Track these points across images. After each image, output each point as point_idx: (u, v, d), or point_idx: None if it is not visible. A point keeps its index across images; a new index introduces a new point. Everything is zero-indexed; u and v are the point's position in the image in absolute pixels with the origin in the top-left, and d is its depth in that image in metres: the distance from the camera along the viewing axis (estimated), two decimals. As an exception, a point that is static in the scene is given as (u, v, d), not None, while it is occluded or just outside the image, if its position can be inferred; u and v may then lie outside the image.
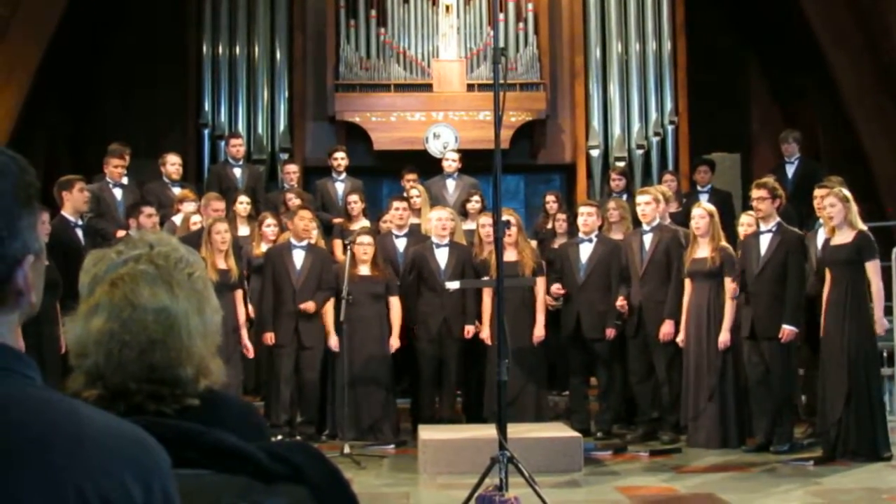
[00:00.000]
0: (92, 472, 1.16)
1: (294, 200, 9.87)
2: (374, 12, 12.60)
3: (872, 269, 7.39)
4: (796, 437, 7.99)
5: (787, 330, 7.68)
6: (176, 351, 1.74)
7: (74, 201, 8.17)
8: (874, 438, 7.33)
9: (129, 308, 1.72)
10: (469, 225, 9.65)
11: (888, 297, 9.71)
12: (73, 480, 1.14)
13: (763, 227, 7.93)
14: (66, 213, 8.10)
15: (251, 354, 8.42)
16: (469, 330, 8.62)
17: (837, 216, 7.44)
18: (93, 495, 1.15)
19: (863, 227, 7.49)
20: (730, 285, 7.91)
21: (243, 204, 9.73)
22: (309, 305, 8.44)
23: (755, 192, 7.95)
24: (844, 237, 7.44)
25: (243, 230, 9.53)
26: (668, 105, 12.66)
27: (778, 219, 7.97)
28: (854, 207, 7.49)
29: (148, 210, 8.57)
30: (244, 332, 8.33)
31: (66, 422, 1.19)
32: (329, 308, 8.54)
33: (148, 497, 1.20)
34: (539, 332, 8.57)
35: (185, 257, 1.82)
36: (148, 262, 1.77)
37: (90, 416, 1.22)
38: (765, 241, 7.89)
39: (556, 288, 8.71)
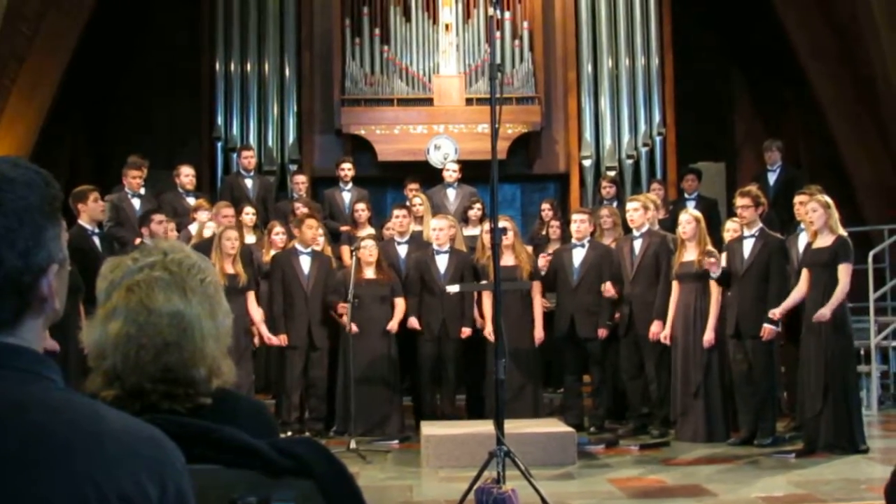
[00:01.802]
0: (110, 470, 1.16)
1: (301, 209, 9.88)
2: (377, 31, 12.62)
3: (843, 270, 7.36)
4: (778, 431, 7.98)
5: (768, 328, 7.68)
6: (189, 352, 1.74)
7: (90, 211, 8.14)
8: (851, 432, 7.32)
9: (144, 312, 1.73)
10: (470, 231, 9.67)
11: (865, 298, 9.76)
12: (92, 478, 1.14)
13: (746, 233, 7.94)
14: (83, 222, 8.08)
15: (275, 342, 8.41)
16: (465, 332, 8.62)
17: (818, 221, 7.44)
18: (111, 492, 1.15)
19: (842, 232, 7.48)
20: (711, 262, 7.84)
21: (249, 214, 9.74)
22: (344, 307, 8.33)
23: (739, 201, 7.96)
24: (825, 241, 7.44)
25: (249, 238, 9.53)
26: (657, 117, 12.67)
27: (760, 224, 7.97)
28: (835, 213, 7.48)
29: (158, 217, 8.55)
30: (264, 329, 8.34)
31: (87, 422, 1.19)
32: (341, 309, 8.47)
33: (163, 494, 1.20)
34: (538, 333, 8.58)
35: (197, 264, 1.83)
36: (162, 268, 1.78)
37: (109, 417, 1.22)
38: (748, 246, 7.90)
39: (543, 256, 8.72)
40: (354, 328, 8.08)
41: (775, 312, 7.58)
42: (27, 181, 1.27)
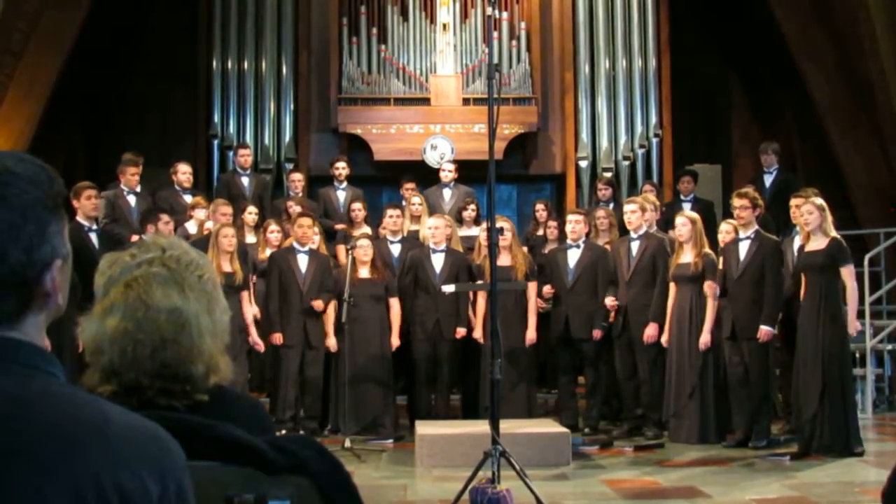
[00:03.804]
0: (111, 467, 1.16)
1: (294, 208, 9.87)
2: (375, 30, 12.62)
3: (847, 273, 7.40)
4: (773, 434, 7.99)
5: (765, 330, 7.69)
6: (187, 349, 1.74)
7: (83, 208, 8.16)
8: (847, 435, 7.33)
9: (142, 308, 1.72)
10: (464, 231, 9.67)
11: (861, 301, 9.75)
12: (93, 473, 1.14)
13: (742, 234, 7.95)
14: (79, 218, 8.10)
15: (262, 349, 8.40)
16: (460, 332, 8.63)
17: (813, 223, 7.45)
18: (111, 488, 1.15)
19: (836, 234, 7.50)
20: (710, 286, 7.91)
21: (251, 214, 9.75)
22: (318, 304, 8.46)
23: (737, 202, 7.96)
24: (818, 244, 7.46)
25: (250, 238, 9.54)
26: (653, 119, 12.68)
27: (756, 226, 7.98)
28: (829, 216, 7.51)
29: (165, 217, 8.56)
30: (253, 330, 8.33)
31: (89, 417, 1.19)
32: (330, 311, 8.55)
33: (163, 492, 1.20)
34: (531, 334, 8.59)
35: (195, 260, 1.82)
36: (160, 264, 1.77)
37: (112, 413, 1.22)
38: (744, 248, 7.90)
39: (547, 289, 8.74)
40: (332, 343, 8.35)
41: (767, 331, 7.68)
42: (32, 176, 1.27)
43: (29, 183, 1.26)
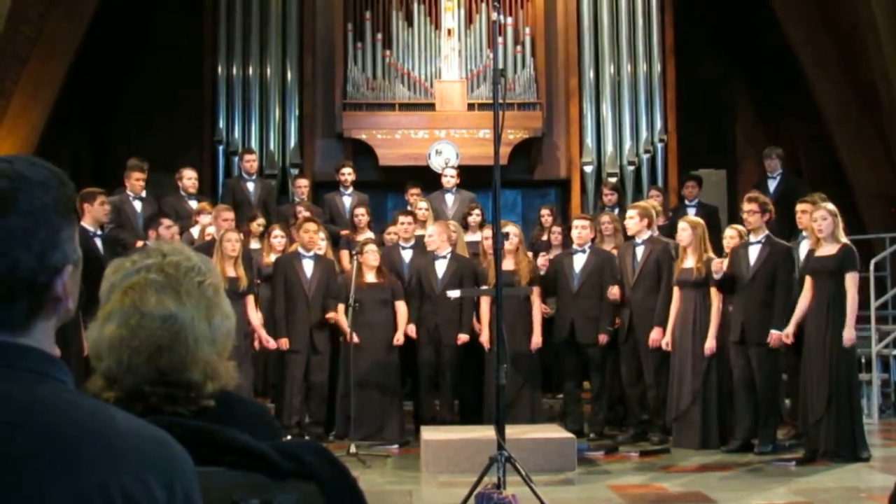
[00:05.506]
0: (118, 472, 1.15)
1: (302, 213, 9.87)
2: (379, 35, 12.63)
3: (851, 280, 7.38)
4: (779, 439, 7.96)
5: (775, 335, 7.66)
6: (181, 356, 1.72)
7: (95, 213, 8.14)
8: (853, 440, 7.31)
9: (136, 315, 1.71)
10: (470, 237, 9.66)
11: (866, 306, 9.74)
12: (99, 479, 1.14)
13: (753, 239, 7.92)
14: (86, 223, 8.07)
15: (272, 346, 8.40)
16: (462, 338, 8.61)
17: (826, 229, 7.44)
18: (117, 494, 1.14)
19: (846, 240, 7.49)
20: (718, 262, 7.84)
21: (256, 220, 9.76)
22: (333, 315, 8.45)
23: (746, 206, 7.93)
24: (829, 249, 7.44)
25: (255, 243, 9.55)
26: (658, 124, 12.67)
27: (767, 231, 7.95)
28: (840, 222, 7.50)
29: (167, 222, 8.56)
30: (263, 333, 8.34)
31: (96, 423, 1.19)
32: (341, 309, 8.51)
33: (170, 498, 1.19)
34: (536, 339, 8.56)
35: (196, 266, 1.80)
36: (158, 271, 1.75)
37: (118, 419, 1.21)
38: (754, 252, 7.87)
39: (543, 256, 8.75)
40: (355, 338, 8.10)
41: (789, 333, 7.58)
42: (43, 181, 1.26)
43: (40, 188, 1.25)
